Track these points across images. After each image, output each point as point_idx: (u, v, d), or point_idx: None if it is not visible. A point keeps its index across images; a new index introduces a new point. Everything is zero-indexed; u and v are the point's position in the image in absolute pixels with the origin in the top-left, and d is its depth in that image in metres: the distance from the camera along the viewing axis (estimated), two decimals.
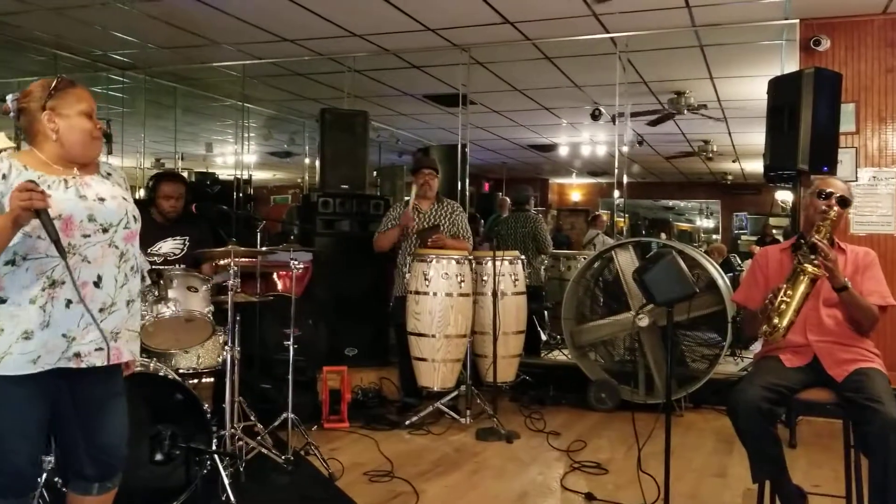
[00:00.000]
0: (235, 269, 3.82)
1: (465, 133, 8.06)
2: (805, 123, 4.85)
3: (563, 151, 12.91)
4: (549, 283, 7.83)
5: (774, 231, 12.99)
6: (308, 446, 4.27)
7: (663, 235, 16.93)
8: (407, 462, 4.37)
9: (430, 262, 5.15)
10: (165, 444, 3.32)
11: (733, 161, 13.59)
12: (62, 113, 2.32)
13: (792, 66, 5.93)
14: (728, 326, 5.45)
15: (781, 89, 5.13)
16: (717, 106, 9.02)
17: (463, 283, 5.18)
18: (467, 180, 7.76)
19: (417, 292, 5.16)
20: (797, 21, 5.99)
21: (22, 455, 2.24)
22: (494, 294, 5.32)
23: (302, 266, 5.31)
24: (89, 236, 2.28)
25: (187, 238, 4.23)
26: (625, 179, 7.53)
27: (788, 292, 2.90)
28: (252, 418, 4.28)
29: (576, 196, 18.43)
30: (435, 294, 5.11)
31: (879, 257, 3.22)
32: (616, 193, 8.20)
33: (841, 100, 5.08)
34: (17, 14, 6.44)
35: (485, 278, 5.44)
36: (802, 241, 3.02)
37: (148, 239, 4.03)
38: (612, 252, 6.04)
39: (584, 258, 7.00)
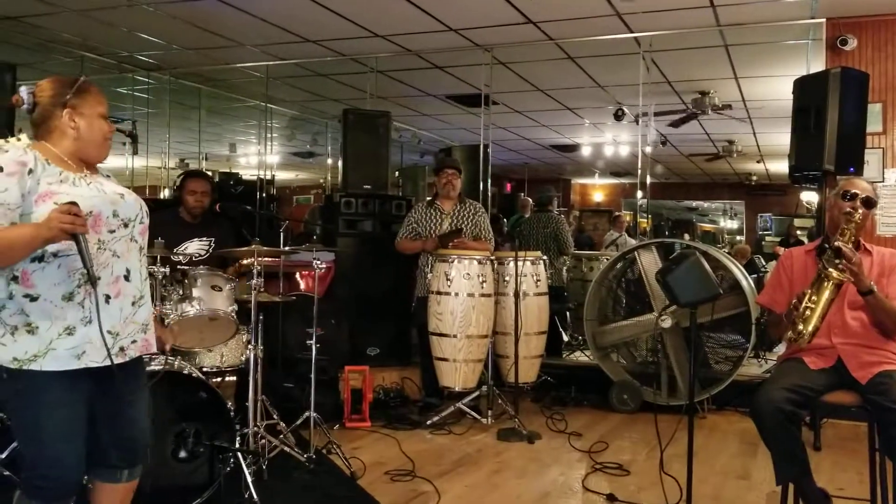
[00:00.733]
0: (259, 268, 3.85)
1: (488, 133, 8.05)
2: (831, 124, 4.81)
3: (586, 152, 12.85)
4: (572, 284, 7.82)
5: (799, 232, 12.87)
6: (330, 445, 4.30)
7: (687, 236, 16.81)
8: (428, 462, 4.38)
9: (452, 262, 5.16)
10: (189, 442, 3.35)
11: (758, 161, 13.47)
12: (83, 112, 2.32)
13: (818, 65, 5.87)
14: (752, 328, 5.42)
15: (807, 89, 5.08)
16: (742, 106, 8.93)
17: (485, 284, 5.18)
18: (489, 181, 7.75)
19: (439, 292, 5.17)
20: (823, 20, 5.93)
21: (70, 457, 2.23)
22: (516, 294, 5.31)
23: (324, 266, 5.36)
24: (114, 231, 2.30)
25: (213, 240, 4.28)
26: (648, 180, 7.49)
27: (813, 298, 2.87)
28: (274, 417, 4.31)
29: (598, 196, 18.35)
30: (457, 294, 5.12)
31: None
32: (639, 194, 8.17)
33: (868, 100, 5.04)
34: (44, 16, 6.52)
35: (507, 279, 5.43)
36: (827, 245, 2.98)
37: (175, 239, 4.10)
38: (636, 253, 6.01)
39: (607, 259, 6.99)
